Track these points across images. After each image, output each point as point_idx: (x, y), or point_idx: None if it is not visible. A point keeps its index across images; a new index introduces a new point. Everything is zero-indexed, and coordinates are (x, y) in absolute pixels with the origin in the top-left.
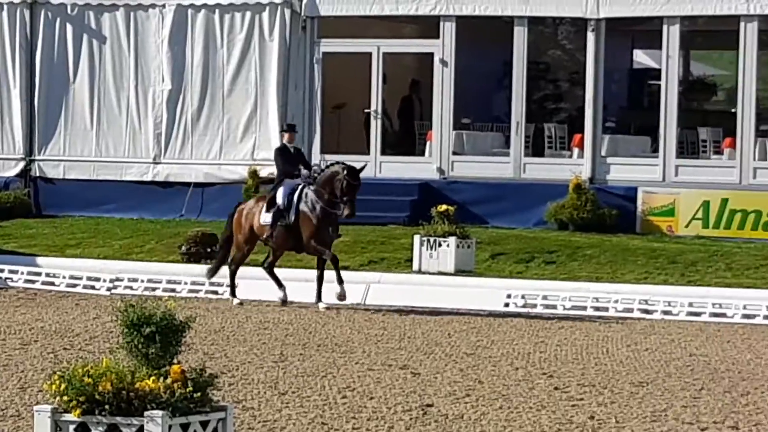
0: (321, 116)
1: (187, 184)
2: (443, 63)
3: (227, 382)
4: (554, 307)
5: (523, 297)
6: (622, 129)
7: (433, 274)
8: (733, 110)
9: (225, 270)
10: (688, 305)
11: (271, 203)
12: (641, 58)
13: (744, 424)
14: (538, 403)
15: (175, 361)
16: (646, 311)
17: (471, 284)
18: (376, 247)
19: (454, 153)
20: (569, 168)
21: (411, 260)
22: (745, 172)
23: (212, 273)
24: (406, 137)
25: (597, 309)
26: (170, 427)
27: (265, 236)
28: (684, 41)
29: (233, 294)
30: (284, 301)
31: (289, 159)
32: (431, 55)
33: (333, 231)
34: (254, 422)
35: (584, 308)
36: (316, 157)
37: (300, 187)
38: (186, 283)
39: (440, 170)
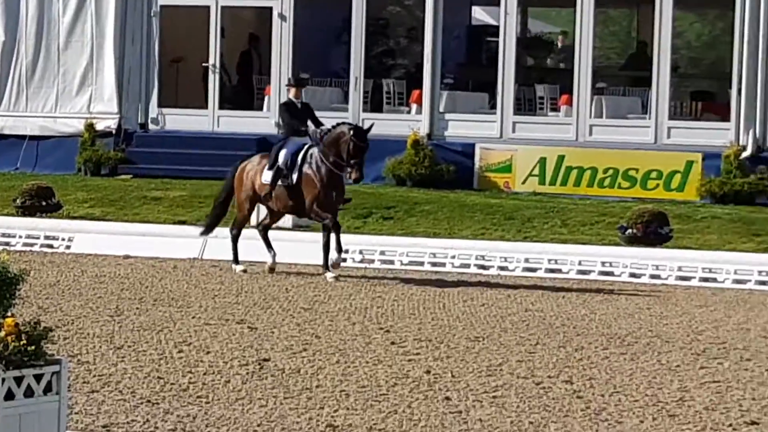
0: (159, 70)
1: (23, 137)
2: (282, 17)
3: (62, 336)
4: (391, 262)
5: (360, 252)
6: (461, 85)
7: (271, 229)
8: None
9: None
10: (524, 261)
11: (272, 163)
12: (479, 14)
13: (578, 378)
14: (375, 357)
15: (8, 314)
16: (483, 267)
17: (308, 239)
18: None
19: None
20: (407, 124)
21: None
22: (581, 129)
23: (206, 231)
24: (244, 92)
25: (434, 264)
26: (3, 380)
27: (263, 194)
28: None
29: (236, 261)
30: (272, 269)
31: (296, 115)
32: (270, 9)
33: (339, 195)
34: (89, 376)
35: (421, 264)
36: (153, 111)
37: (306, 146)
38: (21, 237)
39: (278, 125)
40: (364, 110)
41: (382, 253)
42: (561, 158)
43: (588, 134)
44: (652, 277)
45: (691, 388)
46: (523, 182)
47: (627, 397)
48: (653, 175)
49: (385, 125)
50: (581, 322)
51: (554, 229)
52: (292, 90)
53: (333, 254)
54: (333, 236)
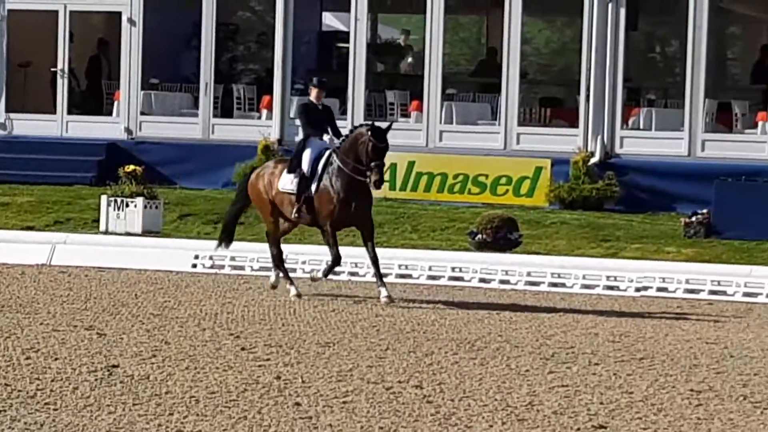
0: (7, 74)
1: None
2: (131, 22)
3: None
4: (242, 268)
5: (210, 258)
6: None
7: (121, 234)
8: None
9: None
10: (368, 266)
11: (293, 166)
12: (330, 20)
13: (428, 383)
14: (225, 363)
15: None
16: (334, 272)
17: (158, 245)
18: (62, 207)
19: (142, 113)
20: (258, 129)
21: (98, 221)
22: (431, 134)
23: (224, 244)
24: (93, 97)
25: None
26: None
27: (293, 214)
28: (372, 4)
29: (289, 281)
30: (274, 286)
31: (315, 118)
32: (119, 14)
33: (364, 203)
34: None
35: (272, 269)
36: (0, 116)
37: (328, 152)
38: None
39: (128, 130)
40: (215, 116)
41: (233, 258)
42: (411, 164)
43: (438, 140)
44: (502, 282)
45: (540, 392)
46: None
47: (476, 402)
48: (503, 180)
49: (235, 131)
50: (431, 327)
51: (405, 234)
52: (314, 91)
53: (381, 290)
54: (373, 264)
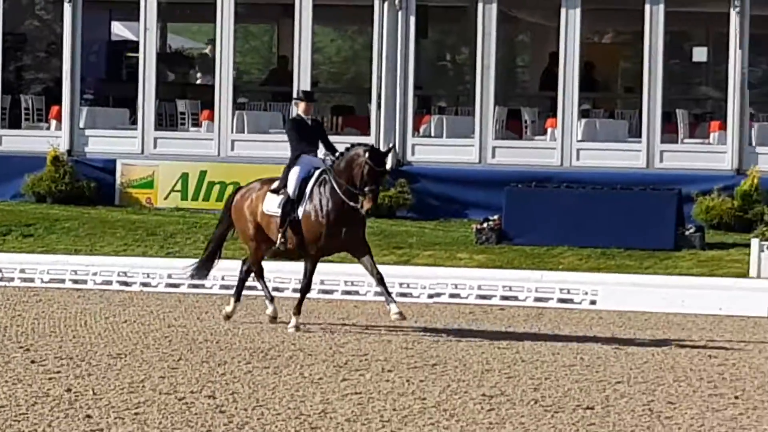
0: None
1: None
2: None
3: None
4: (32, 280)
5: (0, 271)
6: (101, 101)
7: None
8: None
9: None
10: (167, 277)
11: (279, 187)
12: (119, 30)
13: (221, 393)
14: (14, 376)
15: None
16: (125, 283)
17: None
18: None
19: None
20: (47, 140)
21: None
22: (223, 144)
23: (201, 274)
24: None
25: (75, 282)
26: None
27: (278, 239)
28: (161, 13)
29: (271, 304)
30: (274, 317)
31: (306, 135)
32: None
33: (357, 229)
34: None
35: (63, 281)
36: None
37: (318, 171)
38: None
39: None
40: (2, 126)
41: (22, 271)
42: (203, 174)
43: (230, 149)
44: (295, 291)
45: (333, 400)
46: (165, 198)
47: (270, 411)
48: None
49: (24, 141)
50: (225, 336)
51: (197, 244)
52: (301, 105)
53: (391, 307)
54: (378, 283)
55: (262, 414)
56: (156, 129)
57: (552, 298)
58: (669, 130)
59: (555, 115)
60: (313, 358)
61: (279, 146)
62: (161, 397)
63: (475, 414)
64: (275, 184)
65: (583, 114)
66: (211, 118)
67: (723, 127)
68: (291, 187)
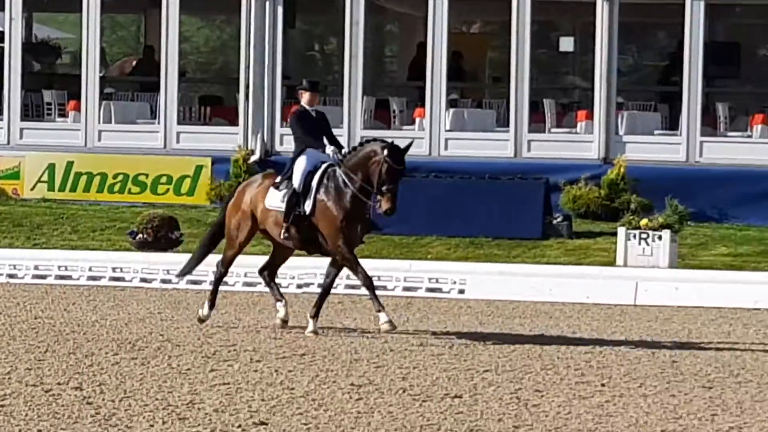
0: None
1: None
2: None
3: None
4: None
5: None
6: None
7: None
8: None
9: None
10: (33, 268)
11: (283, 181)
12: None
13: (88, 384)
14: None
15: None
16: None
17: None
18: None
19: None
20: None
21: None
22: (90, 134)
23: (185, 271)
24: None
25: None
26: None
27: (281, 235)
28: (27, 3)
29: (211, 306)
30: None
31: (311, 128)
32: None
33: (362, 229)
34: None
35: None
36: None
37: (325, 165)
38: None
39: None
40: None
41: None
42: (70, 164)
43: (97, 140)
44: (164, 281)
45: (201, 390)
46: (32, 189)
47: (137, 402)
48: (163, 180)
49: None
50: (92, 328)
51: (64, 235)
52: (306, 95)
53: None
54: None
55: (130, 405)
56: (22, 119)
57: (421, 288)
58: (536, 120)
59: (423, 105)
60: (181, 348)
61: (147, 136)
62: (27, 389)
63: (344, 403)
64: (277, 179)
65: (451, 104)
66: (77, 109)
67: (590, 116)
68: (296, 180)
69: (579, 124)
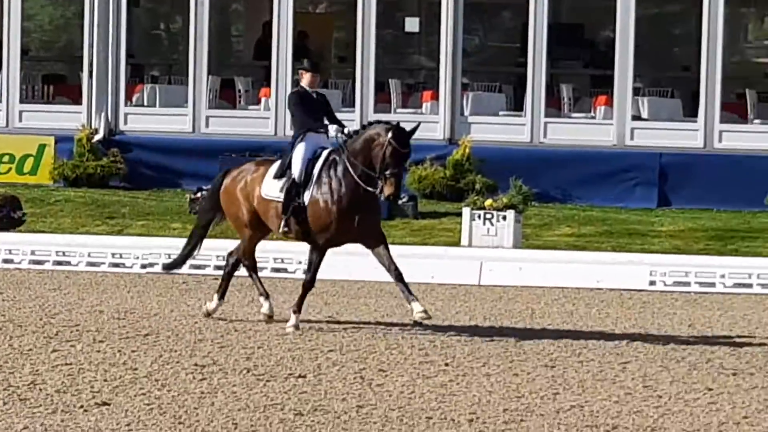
0: None
1: None
2: None
3: None
4: None
5: None
6: None
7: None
8: None
9: None
10: None
11: (282, 169)
12: None
13: None
14: None
15: None
16: None
17: None
18: None
19: None
20: None
21: None
22: None
23: (174, 265)
24: None
25: None
26: None
27: (280, 228)
28: None
29: (265, 296)
30: (270, 316)
31: (311, 109)
32: None
33: (373, 217)
34: None
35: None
36: None
37: (326, 152)
38: None
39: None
40: None
41: None
42: None
43: None
44: (5, 261)
45: (42, 371)
46: None
47: None
48: (5, 158)
49: None
50: None
51: None
52: (306, 76)
53: (414, 305)
54: (396, 281)
55: None
56: None
57: (266, 267)
58: (382, 100)
59: (269, 85)
60: (23, 329)
61: None
62: None
63: (187, 384)
64: (275, 167)
65: (296, 84)
66: None
67: (435, 96)
68: (296, 169)
69: (424, 105)
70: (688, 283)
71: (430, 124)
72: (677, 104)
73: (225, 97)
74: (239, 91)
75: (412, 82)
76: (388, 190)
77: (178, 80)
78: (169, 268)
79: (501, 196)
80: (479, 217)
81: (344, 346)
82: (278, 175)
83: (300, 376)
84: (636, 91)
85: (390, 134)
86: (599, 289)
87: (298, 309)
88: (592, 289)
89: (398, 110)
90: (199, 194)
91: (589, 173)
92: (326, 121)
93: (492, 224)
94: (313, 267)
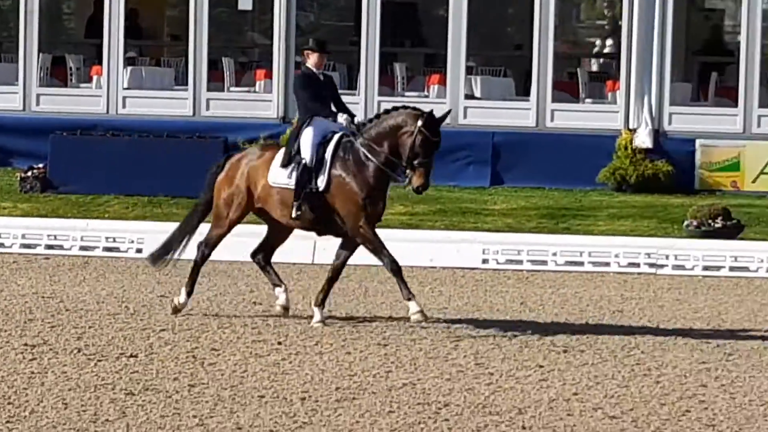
0: None
1: None
2: None
3: None
4: None
5: None
6: None
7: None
8: None
9: None
10: None
11: (290, 156)
12: None
13: None
14: None
15: None
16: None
17: None
18: None
19: None
20: None
21: None
22: None
23: (159, 258)
24: None
25: None
26: None
27: (293, 213)
28: None
29: (189, 293)
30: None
31: (319, 92)
32: None
33: (381, 208)
34: None
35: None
36: None
37: (337, 136)
38: None
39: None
40: None
41: None
42: None
43: None
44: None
45: None
46: None
47: None
48: None
49: None
50: None
51: None
52: (313, 56)
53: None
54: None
55: None
56: None
57: (98, 247)
58: (215, 78)
59: (100, 63)
60: None
61: None
62: None
63: (17, 363)
64: (281, 153)
65: (128, 62)
66: None
67: (269, 75)
68: (307, 154)
69: (258, 83)
70: (520, 261)
71: (264, 103)
72: (510, 83)
73: (56, 74)
74: (70, 68)
75: (246, 60)
76: (417, 181)
77: (8, 58)
78: (155, 261)
79: None
80: None
81: (176, 325)
82: (285, 163)
83: (131, 356)
84: (469, 70)
85: (420, 122)
86: (432, 268)
87: (411, 296)
88: (426, 268)
89: (231, 89)
90: (29, 173)
91: None
92: (333, 108)
93: None
94: (378, 245)
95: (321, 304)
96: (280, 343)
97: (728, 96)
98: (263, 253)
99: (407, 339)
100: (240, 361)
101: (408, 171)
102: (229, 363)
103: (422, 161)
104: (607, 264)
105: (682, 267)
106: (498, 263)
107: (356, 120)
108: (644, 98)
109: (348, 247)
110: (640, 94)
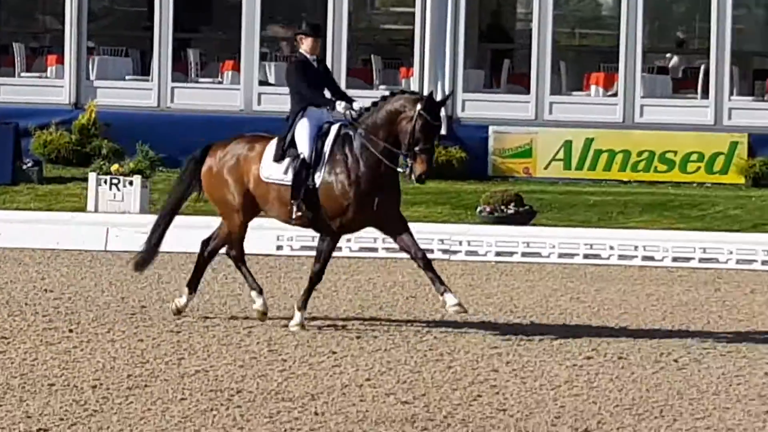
0: None
1: None
2: None
3: None
4: None
5: None
6: None
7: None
8: None
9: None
10: None
11: (283, 148)
12: None
13: None
14: None
15: None
16: None
17: None
18: None
19: None
20: None
21: None
22: None
23: (142, 263)
24: None
25: None
26: None
27: (293, 214)
28: None
29: (258, 292)
30: (264, 312)
31: (314, 79)
32: None
33: (393, 199)
34: None
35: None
36: None
37: (336, 127)
38: None
39: None
40: None
41: None
42: None
43: None
44: None
45: None
46: None
47: None
48: None
49: None
50: None
51: None
52: (307, 41)
53: (448, 297)
54: (425, 269)
55: None
56: None
57: None
58: (6, 64)
59: None
60: None
61: None
62: None
63: None
64: (272, 146)
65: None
66: None
67: (61, 60)
68: (305, 148)
69: (49, 69)
70: (313, 248)
71: (56, 89)
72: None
73: None
74: None
75: (38, 45)
76: (419, 168)
77: None
78: (141, 266)
79: (128, 161)
80: (105, 182)
81: None
82: (279, 157)
83: None
84: (263, 57)
85: (419, 106)
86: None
87: (303, 306)
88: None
89: (22, 74)
90: None
91: (218, 138)
92: (329, 95)
93: (119, 189)
94: (323, 258)
95: (445, 288)
96: (71, 331)
97: (521, 83)
98: (215, 243)
99: (200, 326)
100: (30, 349)
101: (408, 159)
102: (19, 351)
103: (424, 147)
104: None
105: (475, 253)
106: (293, 249)
107: (355, 106)
108: (437, 85)
109: (397, 232)
110: (434, 80)
